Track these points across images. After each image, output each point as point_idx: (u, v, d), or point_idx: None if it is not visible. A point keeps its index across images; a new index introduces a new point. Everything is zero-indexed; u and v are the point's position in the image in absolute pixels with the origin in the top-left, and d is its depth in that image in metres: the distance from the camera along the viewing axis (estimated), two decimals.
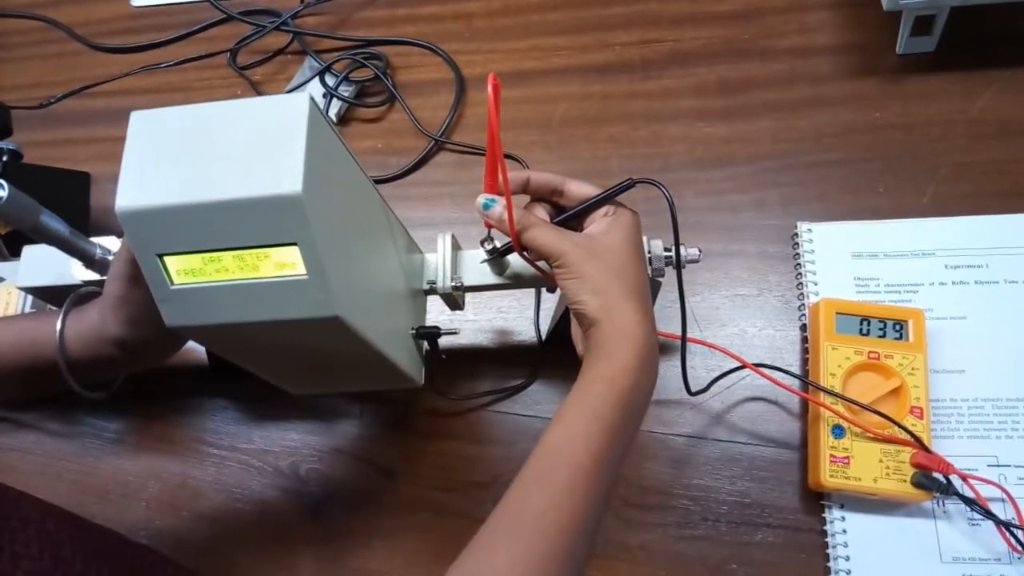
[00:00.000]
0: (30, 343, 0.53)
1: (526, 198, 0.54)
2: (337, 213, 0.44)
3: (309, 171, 0.40)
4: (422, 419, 0.69)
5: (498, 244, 0.56)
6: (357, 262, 0.47)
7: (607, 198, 0.52)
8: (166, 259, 0.42)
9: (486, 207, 0.51)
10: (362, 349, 0.49)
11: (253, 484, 0.69)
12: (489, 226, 0.53)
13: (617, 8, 0.84)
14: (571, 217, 0.53)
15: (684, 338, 0.57)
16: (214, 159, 0.41)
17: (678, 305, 0.57)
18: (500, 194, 0.51)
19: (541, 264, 0.54)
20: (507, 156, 0.75)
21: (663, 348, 0.66)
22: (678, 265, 0.56)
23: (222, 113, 0.42)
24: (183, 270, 0.42)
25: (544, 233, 0.50)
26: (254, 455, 0.70)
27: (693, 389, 0.61)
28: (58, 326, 0.52)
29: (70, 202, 0.78)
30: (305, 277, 0.42)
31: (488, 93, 0.45)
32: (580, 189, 0.52)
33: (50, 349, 0.52)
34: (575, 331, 0.53)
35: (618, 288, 0.48)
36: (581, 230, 0.52)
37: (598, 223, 0.51)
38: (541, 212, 0.53)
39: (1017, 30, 0.74)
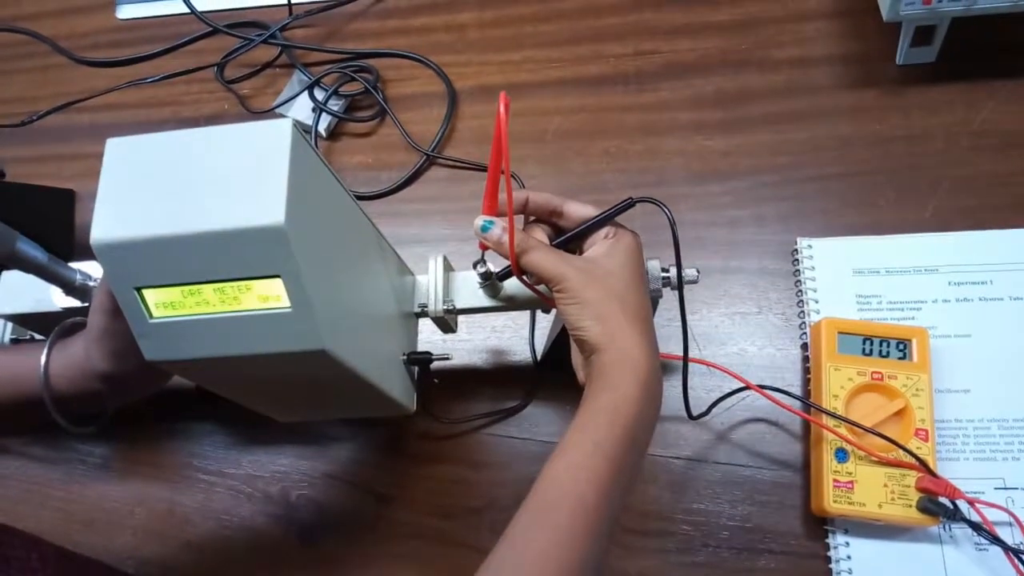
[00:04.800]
0: (13, 379, 0.52)
1: (522, 219, 0.53)
2: (322, 242, 0.43)
3: (292, 201, 0.38)
4: (415, 443, 0.68)
5: (491, 266, 0.55)
6: (344, 291, 0.46)
7: (607, 219, 0.50)
8: (144, 292, 0.41)
9: (484, 230, 0.50)
10: (351, 380, 0.47)
11: (242, 511, 0.67)
12: (485, 248, 0.52)
13: (611, 19, 0.82)
14: (570, 239, 0.51)
15: (686, 362, 0.56)
16: (193, 189, 0.39)
17: (676, 323, 0.55)
18: (498, 215, 0.50)
19: (540, 288, 0.52)
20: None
21: (663, 369, 0.64)
22: (680, 287, 0.55)
23: (201, 140, 0.40)
24: (162, 303, 0.41)
25: (544, 256, 0.48)
26: (243, 480, 0.69)
27: (694, 412, 0.60)
28: (43, 361, 0.51)
29: (55, 220, 0.76)
30: (289, 310, 0.40)
31: (499, 111, 0.43)
32: (580, 210, 0.51)
33: (35, 385, 0.51)
34: (575, 357, 0.51)
35: (621, 314, 0.46)
36: (580, 252, 0.51)
37: (599, 246, 0.50)
38: (540, 234, 0.51)
39: (1020, 40, 0.73)
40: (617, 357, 0.45)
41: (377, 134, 0.82)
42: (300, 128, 0.41)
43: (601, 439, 0.43)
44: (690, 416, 0.60)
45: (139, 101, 0.88)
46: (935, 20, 0.69)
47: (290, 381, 0.48)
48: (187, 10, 0.84)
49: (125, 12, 0.95)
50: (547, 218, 0.52)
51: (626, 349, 0.45)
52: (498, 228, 0.49)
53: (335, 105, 0.82)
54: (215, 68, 0.86)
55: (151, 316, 0.41)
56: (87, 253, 0.58)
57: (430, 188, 0.78)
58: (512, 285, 0.57)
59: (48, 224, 0.72)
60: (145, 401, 0.62)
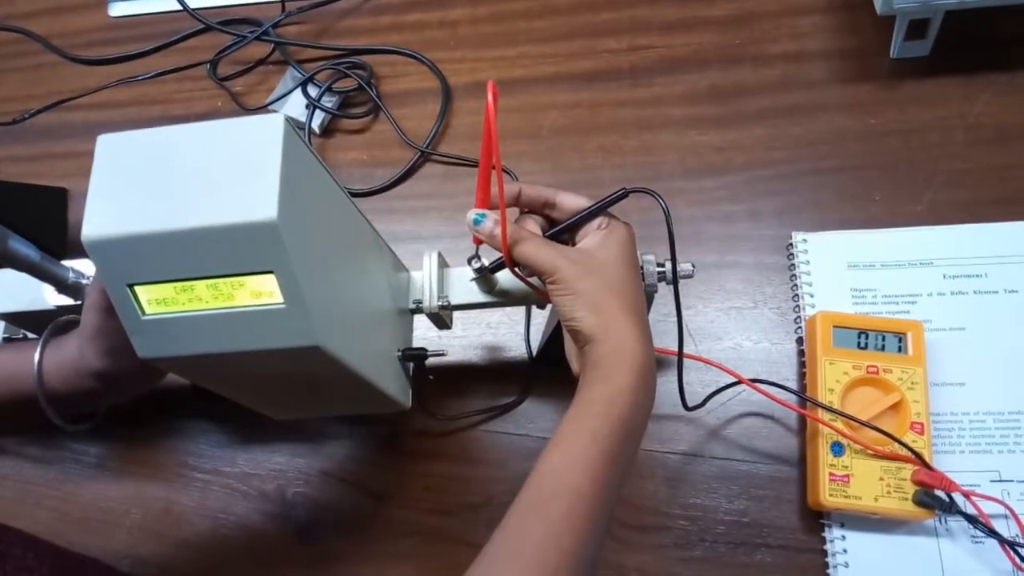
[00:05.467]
0: (7, 377, 0.52)
1: (516, 212, 0.53)
2: (315, 237, 0.43)
3: (284, 196, 0.38)
4: (411, 440, 0.68)
5: (486, 261, 0.55)
6: (338, 287, 0.45)
7: (600, 209, 0.50)
8: (137, 289, 0.40)
9: (476, 222, 0.50)
10: (345, 376, 0.47)
11: (238, 509, 0.67)
12: (479, 242, 0.52)
13: (606, 14, 0.82)
14: (563, 230, 0.51)
15: (681, 355, 0.56)
16: (185, 185, 0.39)
17: (672, 319, 0.55)
18: (491, 208, 0.50)
19: (533, 280, 0.52)
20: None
21: (658, 363, 0.64)
22: (675, 279, 0.54)
23: (193, 136, 0.40)
24: (155, 300, 0.41)
25: (537, 248, 0.48)
26: (239, 479, 0.68)
27: (689, 404, 0.60)
28: (36, 359, 0.51)
29: (47, 219, 0.76)
30: (283, 306, 0.40)
31: (488, 101, 0.43)
32: (573, 201, 0.51)
33: (28, 383, 0.51)
34: (569, 348, 0.51)
35: (615, 304, 0.46)
36: (574, 243, 0.51)
37: (592, 237, 0.50)
38: (533, 226, 0.51)
39: (1014, 33, 0.73)
40: (612, 348, 0.45)
41: (371, 131, 0.82)
42: (293, 123, 0.40)
43: (597, 429, 0.43)
44: (686, 407, 0.60)
45: (131, 99, 0.88)
46: (928, 13, 0.69)
47: (285, 378, 0.48)
48: (179, 7, 0.84)
49: (117, 10, 0.94)
50: (540, 210, 0.52)
51: (621, 340, 0.45)
52: (490, 221, 0.49)
53: (329, 102, 0.81)
54: (208, 65, 0.86)
55: (144, 313, 0.41)
56: (80, 251, 0.58)
57: (425, 184, 0.78)
58: (506, 279, 0.57)
59: (41, 223, 0.71)
60: (140, 400, 0.62)
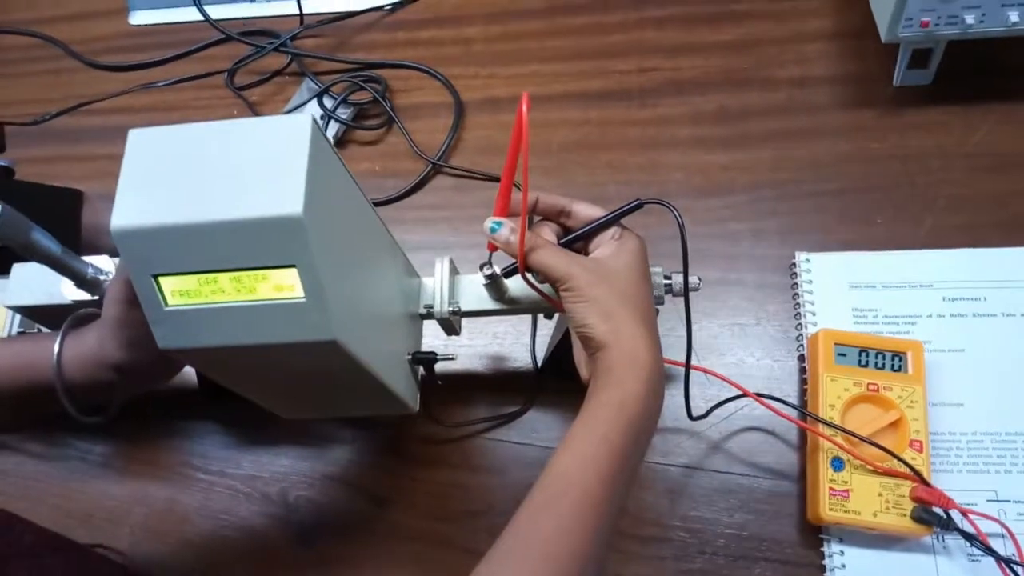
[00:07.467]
0: (26, 366, 0.52)
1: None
2: (337, 235, 0.44)
3: (310, 192, 0.39)
4: (415, 446, 0.68)
5: (497, 269, 0.55)
6: (356, 285, 0.46)
7: (615, 219, 0.52)
8: (161, 280, 0.41)
9: (493, 230, 0.51)
10: (358, 373, 0.48)
11: (241, 511, 0.68)
12: (493, 248, 0.53)
13: (616, 36, 0.84)
14: (577, 238, 0.52)
15: (688, 364, 0.57)
16: (213, 179, 0.40)
17: (676, 333, 0.56)
18: (510, 215, 0.51)
19: (544, 288, 0.53)
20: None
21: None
22: (686, 289, 0.55)
23: (222, 132, 0.41)
24: (178, 291, 0.41)
25: (552, 255, 0.49)
26: (243, 481, 0.69)
27: (693, 415, 0.61)
28: (56, 349, 0.51)
29: (61, 220, 0.77)
30: (303, 300, 0.41)
31: (522, 111, 0.44)
32: (588, 211, 0.52)
33: (47, 373, 0.51)
34: (579, 355, 0.52)
35: (626, 312, 0.47)
36: (587, 253, 0.52)
37: (605, 246, 0.51)
38: (549, 233, 0.52)
39: (1015, 63, 0.75)
40: (623, 354, 0.46)
41: (384, 142, 0.83)
42: (319, 125, 0.42)
43: (607, 433, 0.44)
44: (690, 416, 0.60)
45: (149, 105, 0.90)
46: (931, 43, 0.71)
47: (299, 373, 0.49)
48: (198, 17, 0.86)
49: (137, 18, 0.96)
50: (555, 218, 0.53)
51: (632, 347, 0.46)
52: (506, 229, 0.50)
53: (343, 113, 0.83)
54: (225, 74, 0.88)
55: (166, 304, 0.42)
56: (92, 252, 0.59)
57: (436, 196, 0.80)
58: (516, 287, 0.57)
59: (55, 222, 0.72)
60: (146, 399, 0.63)
